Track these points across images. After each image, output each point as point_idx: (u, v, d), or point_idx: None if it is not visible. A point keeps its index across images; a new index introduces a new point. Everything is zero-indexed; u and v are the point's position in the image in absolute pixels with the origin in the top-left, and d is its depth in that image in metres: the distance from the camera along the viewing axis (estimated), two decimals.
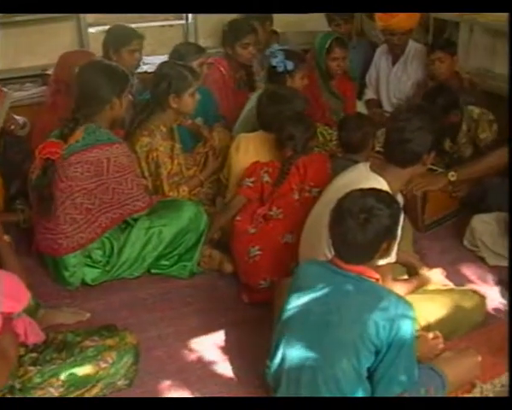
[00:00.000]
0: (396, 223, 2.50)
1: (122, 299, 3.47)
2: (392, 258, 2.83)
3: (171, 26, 5.87)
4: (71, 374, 2.62)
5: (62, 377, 2.61)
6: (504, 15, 5.10)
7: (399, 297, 2.45)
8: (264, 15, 5.34)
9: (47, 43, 5.19)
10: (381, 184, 2.89)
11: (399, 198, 3.52)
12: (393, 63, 5.32)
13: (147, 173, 3.73)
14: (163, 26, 5.82)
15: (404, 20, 5.06)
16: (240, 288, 3.49)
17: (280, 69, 4.12)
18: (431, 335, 2.85)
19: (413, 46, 5.27)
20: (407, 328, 2.35)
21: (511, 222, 2.83)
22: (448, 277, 3.39)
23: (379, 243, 2.47)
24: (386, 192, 2.60)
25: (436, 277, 3.32)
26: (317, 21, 5.99)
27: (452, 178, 3.86)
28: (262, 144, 3.75)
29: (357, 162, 3.30)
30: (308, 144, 3.58)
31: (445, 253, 3.89)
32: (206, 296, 3.52)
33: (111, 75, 3.46)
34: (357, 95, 5.25)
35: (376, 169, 2.99)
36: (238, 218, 3.52)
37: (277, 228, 3.43)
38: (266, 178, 3.54)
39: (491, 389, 2.84)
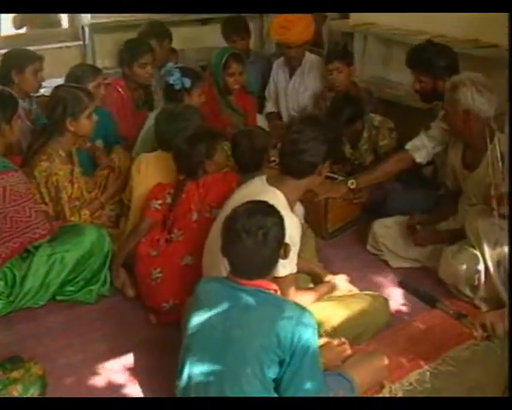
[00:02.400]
0: (284, 228, 2.55)
1: (29, 329, 3.42)
2: (293, 269, 2.91)
3: (68, 47, 5.84)
4: None
5: None
6: (396, 24, 5.33)
7: (299, 307, 2.50)
8: (162, 33, 5.36)
9: None
10: (278, 196, 2.94)
11: (299, 208, 3.66)
12: (291, 76, 5.43)
13: (47, 199, 3.68)
14: (60, 47, 5.78)
15: (299, 32, 5.19)
16: (147, 309, 3.49)
17: (177, 87, 4.14)
18: (336, 341, 2.92)
19: (309, 58, 5.40)
20: (309, 337, 2.39)
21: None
22: (353, 282, 3.49)
23: (277, 255, 2.53)
24: (264, 202, 2.63)
25: (341, 283, 3.41)
26: (214, 38, 6.09)
27: (352, 186, 3.94)
28: (162, 164, 3.75)
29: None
30: (205, 164, 3.51)
31: (349, 259, 4.00)
32: (113, 320, 3.50)
33: None
34: (257, 108, 5.32)
35: (273, 182, 3.04)
36: (141, 240, 3.52)
37: (177, 250, 3.44)
38: (169, 199, 3.54)
39: (399, 388, 2.95)
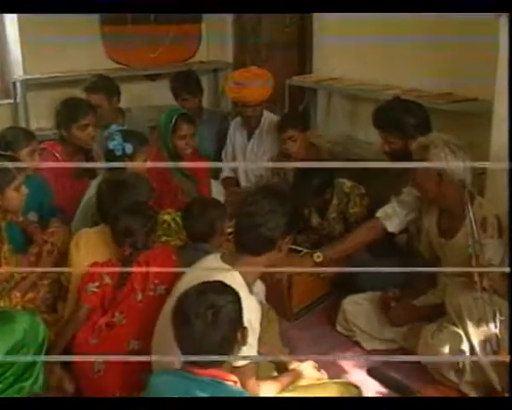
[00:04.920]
0: (241, 308, 2.53)
1: None
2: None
3: None
4: None
5: None
6: (363, 78, 5.43)
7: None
8: (111, 88, 5.39)
9: None
10: (234, 276, 2.91)
11: (260, 286, 3.63)
12: (249, 137, 5.49)
13: None
14: None
15: (256, 90, 5.26)
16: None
17: (118, 153, 4.11)
18: None
19: (268, 118, 5.45)
20: None
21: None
22: (321, 368, 3.44)
23: (233, 339, 2.50)
24: (219, 281, 2.63)
25: (308, 371, 3.37)
26: (164, 95, 6.10)
27: (318, 260, 3.90)
28: (105, 241, 3.70)
29: (208, 252, 3.32)
30: (149, 238, 3.53)
31: (317, 342, 3.96)
32: None
33: None
34: (212, 174, 5.32)
35: (228, 260, 3.02)
36: (79, 328, 3.45)
37: (121, 335, 3.36)
38: (107, 279, 3.49)
39: None
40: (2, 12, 5.51)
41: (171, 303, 3.06)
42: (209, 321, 2.40)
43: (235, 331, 2.49)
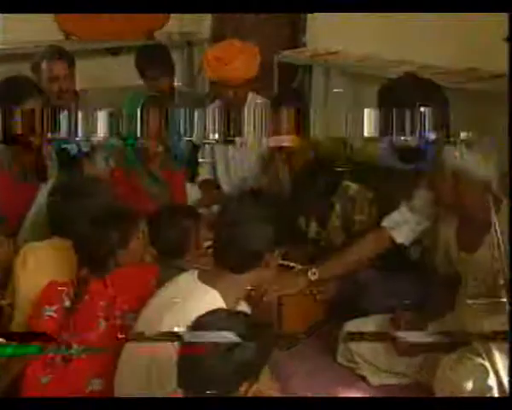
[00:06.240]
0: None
1: None
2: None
3: None
4: None
5: None
6: (368, 52, 5.41)
7: None
8: (72, 60, 5.45)
9: None
10: (213, 297, 2.94)
11: (245, 309, 3.60)
12: None
13: None
14: None
15: (240, 68, 5.25)
16: None
17: (72, 152, 4.12)
18: None
19: (254, 101, 5.43)
20: None
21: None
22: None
23: (236, 384, 2.51)
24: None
25: None
26: (128, 74, 6.10)
27: (313, 277, 3.95)
28: (58, 256, 3.71)
29: (182, 270, 3.34)
30: (117, 255, 3.50)
31: (314, 375, 3.98)
32: None
33: None
34: (187, 176, 5.35)
35: (206, 278, 3.04)
36: (29, 362, 3.43)
37: (80, 372, 3.36)
38: (67, 302, 3.48)
39: None
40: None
41: (137, 330, 3.11)
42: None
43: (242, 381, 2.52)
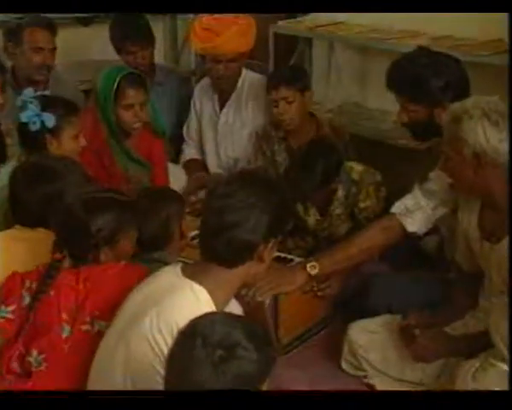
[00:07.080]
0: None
1: None
2: None
3: None
4: None
5: None
6: (376, 23, 5.37)
7: None
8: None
9: None
10: (199, 295, 2.89)
11: (236, 309, 3.57)
12: (222, 105, 5.49)
13: None
14: None
15: (232, 39, 5.23)
16: None
17: (34, 127, 4.05)
18: None
19: (248, 78, 5.45)
20: None
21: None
22: None
23: None
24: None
25: None
26: (103, 47, 6.13)
27: (313, 272, 3.90)
28: (21, 247, 3.65)
29: (164, 263, 3.32)
30: (101, 251, 3.39)
31: (316, 383, 3.93)
32: None
33: None
34: (170, 155, 5.33)
35: (192, 273, 2.98)
36: None
37: (40, 386, 3.24)
38: (28, 299, 3.37)
39: None
40: None
41: (110, 337, 3.07)
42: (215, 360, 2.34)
43: None
